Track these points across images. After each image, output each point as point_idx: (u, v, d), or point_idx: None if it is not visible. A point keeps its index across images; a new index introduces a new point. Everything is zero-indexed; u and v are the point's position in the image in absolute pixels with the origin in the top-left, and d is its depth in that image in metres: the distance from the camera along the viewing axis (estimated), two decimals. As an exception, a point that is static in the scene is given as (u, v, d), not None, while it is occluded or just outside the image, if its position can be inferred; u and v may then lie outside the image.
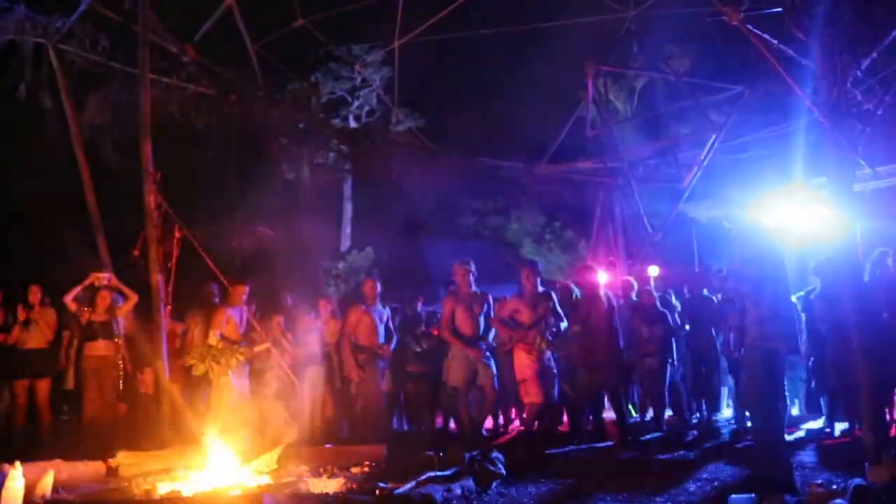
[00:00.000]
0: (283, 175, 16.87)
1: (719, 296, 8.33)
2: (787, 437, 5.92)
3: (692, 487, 5.03)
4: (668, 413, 8.34)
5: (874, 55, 7.33)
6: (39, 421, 8.21)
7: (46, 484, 4.88)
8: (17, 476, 4.41)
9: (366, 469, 5.60)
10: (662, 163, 11.92)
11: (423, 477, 4.72)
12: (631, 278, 8.99)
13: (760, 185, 10.00)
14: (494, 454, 5.35)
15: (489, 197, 19.16)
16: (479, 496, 4.84)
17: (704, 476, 5.38)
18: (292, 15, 9.90)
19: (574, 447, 6.86)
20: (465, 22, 10.32)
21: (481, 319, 7.36)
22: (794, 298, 7.02)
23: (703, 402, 8.54)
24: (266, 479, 5.22)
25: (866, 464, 4.60)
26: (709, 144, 10.53)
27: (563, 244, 18.70)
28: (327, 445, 6.60)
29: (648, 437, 7.40)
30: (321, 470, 5.58)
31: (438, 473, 4.88)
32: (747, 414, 6.50)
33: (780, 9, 7.19)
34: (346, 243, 20.41)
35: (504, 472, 5.21)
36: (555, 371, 7.10)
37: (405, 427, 8.95)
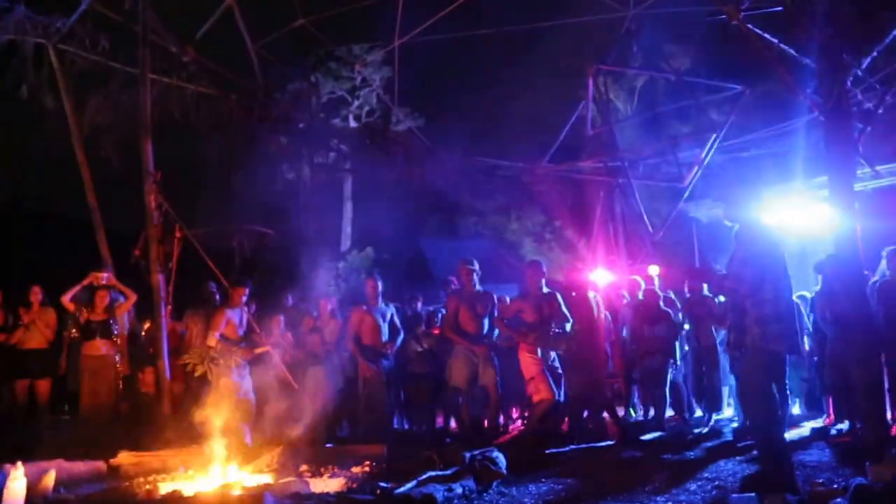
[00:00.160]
0: (283, 175, 16.89)
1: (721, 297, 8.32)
2: (788, 437, 5.91)
3: (693, 487, 5.03)
4: (669, 412, 8.35)
5: (874, 54, 7.33)
6: (40, 420, 8.22)
7: (48, 483, 4.88)
8: (18, 476, 4.40)
9: (366, 469, 5.59)
10: (663, 162, 11.93)
11: (424, 476, 4.72)
12: (638, 278, 8.98)
13: (761, 183, 10.03)
14: (495, 454, 5.34)
15: (489, 196, 19.15)
16: (480, 496, 4.84)
17: (705, 475, 5.37)
18: (292, 15, 9.90)
19: (574, 447, 6.85)
20: (465, 22, 10.33)
21: (485, 319, 7.36)
22: (796, 298, 7.01)
23: (704, 401, 8.53)
24: (267, 479, 5.22)
25: (867, 463, 4.59)
26: (709, 143, 10.54)
27: (564, 243, 18.68)
28: (328, 445, 6.60)
29: (649, 436, 7.40)
30: (322, 469, 5.58)
31: (439, 473, 4.87)
32: (744, 413, 6.49)
33: (780, 8, 7.19)
34: (346, 243, 20.41)
35: (505, 471, 5.21)
36: (560, 371, 7.10)
37: (406, 427, 8.94)
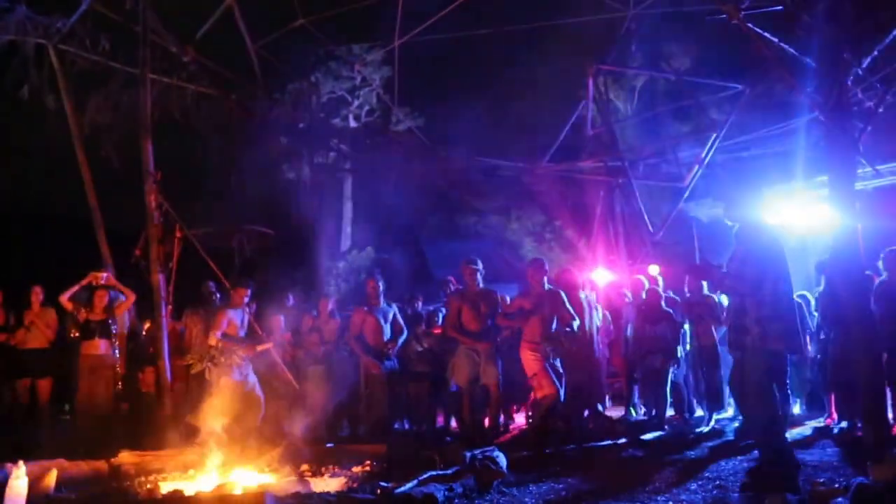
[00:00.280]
0: (283, 175, 16.88)
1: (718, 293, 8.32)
2: (789, 436, 5.91)
3: (694, 486, 5.02)
4: (670, 412, 8.34)
5: (875, 53, 7.33)
6: (41, 420, 8.22)
7: (49, 483, 4.88)
8: (20, 475, 4.40)
9: (367, 468, 5.59)
10: (663, 162, 11.93)
11: (425, 476, 4.72)
12: (642, 277, 8.98)
13: (761, 183, 10.03)
14: (495, 453, 5.34)
15: (489, 196, 19.14)
16: (481, 495, 4.84)
17: (706, 475, 5.37)
18: (292, 15, 9.90)
19: (574, 446, 6.85)
20: (464, 21, 10.32)
21: (489, 318, 7.36)
22: (797, 298, 7.01)
23: (705, 400, 8.53)
24: (268, 479, 5.22)
25: (869, 462, 4.59)
26: (709, 143, 10.53)
27: (564, 243, 18.68)
28: (328, 444, 6.60)
29: (650, 435, 7.40)
30: (322, 469, 5.58)
31: (440, 472, 4.87)
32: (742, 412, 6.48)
33: (780, 7, 7.20)
34: (346, 243, 20.41)
35: (505, 471, 5.21)
36: (561, 370, 7.09)
37: (406, 426, 8.94)
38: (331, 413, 8.29)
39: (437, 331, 8.44)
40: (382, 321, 7.80)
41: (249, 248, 10.24)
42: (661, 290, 8.53)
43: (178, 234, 7.69)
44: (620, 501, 4.69)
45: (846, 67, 6.72)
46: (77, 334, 7.85)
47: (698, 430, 7.76)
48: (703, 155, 10.59)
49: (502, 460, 5.28)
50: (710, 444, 6.93)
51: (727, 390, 8.52)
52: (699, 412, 8.56)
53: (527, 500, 4.81)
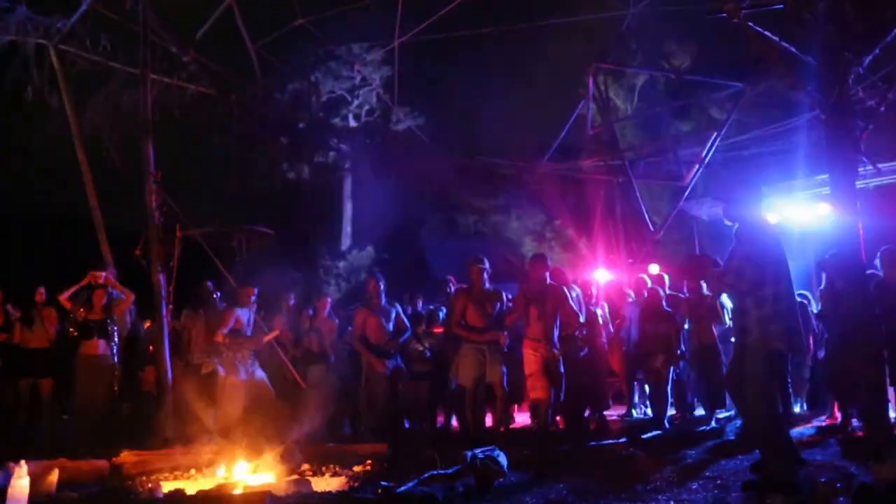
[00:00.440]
0: (283, 175, 16.89)
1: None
2: (790, 436, 5.90)
3: (695, 486, 5.02)
4: (672, 411, 8.34)
5: (876, 51, 7.31)
6: (43, 419, 8.22)
7: (51, 482, 4.88)
8: (22, 474, 4.40)
9: (368, 467, 5.59)
10: (663, 160, 11.92)
11: (425, 475, 4.72)
12: (645, 276, 8.98)
13: (762, 182, 10.03)
14: (496, 453, 5.33)
15: (489, 195, 19.14)
16: (482, 495, 4.83)
17: (707, 474, 5.36)
18: (292, 15, 9.89)
19: (575, 446, 6.84)
20: (464, 20, 10.31)
21: (494, 317, 7.36)
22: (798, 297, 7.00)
23: (706, 400, 8.53)
24: (269, 478, 5.21)
25: (870, 462, 4.58)
26: (710, 142, 10.53)
27: (564, 242, 18.68)
28: (329, 444, 6.59)
29: (651, 435, 7.39)
30: (323, 468, 5.58)
31: (440, 472, 4.87)
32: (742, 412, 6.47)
33: (781, 5, 7.18)
34: (346, 242, 20.42)
35: (506, 470, 5.20)
36: (562, 371, 7.07)
37: (406, 426, 8.94)
38: (331, 412, 8.30)
39: (438, 330, 8.43)
40: (384, 320, 7.79)
41: (249, 248, 10.23)
42: (667, 289, 8.52)
43: (178, 234, 7.70)
44: (622, 500, 4.68)
45: (847, 65, 6.70)
46: (76, 334, 7.85)
47: (699, 429, 7.75)
48: (704, 154, 10.59)
49: (503, 460, 5.27)
50: (711, 443, 6.92)
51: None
52: (700, 411, 8.56)
53: (528, 499, 4.80)
